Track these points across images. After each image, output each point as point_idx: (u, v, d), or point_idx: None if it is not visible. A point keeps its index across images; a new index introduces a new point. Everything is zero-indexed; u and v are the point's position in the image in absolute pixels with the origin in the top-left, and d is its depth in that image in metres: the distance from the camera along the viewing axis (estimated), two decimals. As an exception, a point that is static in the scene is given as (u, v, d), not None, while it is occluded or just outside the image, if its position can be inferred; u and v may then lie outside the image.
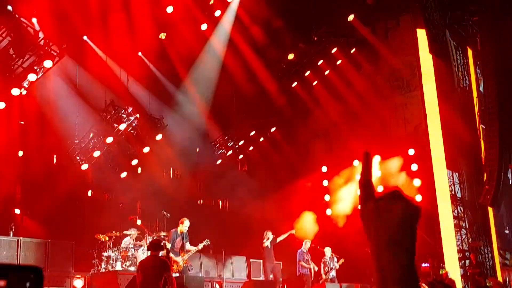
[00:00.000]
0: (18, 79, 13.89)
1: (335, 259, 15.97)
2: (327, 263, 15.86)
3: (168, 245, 11.97)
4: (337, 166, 19.75)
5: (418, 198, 18.24)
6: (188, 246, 12.51)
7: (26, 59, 13.81)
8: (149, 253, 9.95)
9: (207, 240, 12.95)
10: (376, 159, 18.99)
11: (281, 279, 15.75)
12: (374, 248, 1.17)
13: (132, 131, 16.90)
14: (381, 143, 19.23)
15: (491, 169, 19.30)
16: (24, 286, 0.83)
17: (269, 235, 15.19)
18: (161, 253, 9.83)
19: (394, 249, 1.14)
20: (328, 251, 15.99)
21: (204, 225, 18.20)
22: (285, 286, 16.43)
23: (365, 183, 1.21)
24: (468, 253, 19.17)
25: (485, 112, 20.11)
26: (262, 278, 16.06)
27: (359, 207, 1.22)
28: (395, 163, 18.63)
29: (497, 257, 19.84)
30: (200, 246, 12.79)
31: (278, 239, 15.25)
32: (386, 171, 18.69)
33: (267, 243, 15.08)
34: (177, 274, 11.74)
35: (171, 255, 11.75)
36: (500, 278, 18.81)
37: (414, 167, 18.63)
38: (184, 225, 12.50)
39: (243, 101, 20.68)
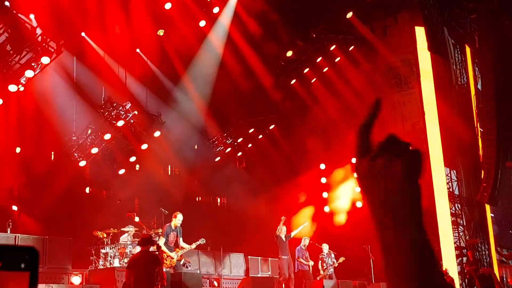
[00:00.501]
0: (15, 75, 13.82)
1: (333, 255, 15.94)
2: (324, 259, 15.82)
3: (162, 240, 11.86)
4: (335, 163, 19.71)
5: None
6: (181, 243, 12.33)
7: (23, 55, 13.74)
8: (138, 248, 9.93)
9: (202, 239, 12.85)
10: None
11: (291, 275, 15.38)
12: (374, 221, 0.96)
13: (130, 128, 16.83)
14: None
15: (488, 166, 19.29)
16: (19, 267, 0.79)
17: (283, 228, 14.74)
18: (151, 249, 9.75)
19: (398, 224, 0.94)
20: (325, 247, 15.94)
21: (202, 222, 18.17)
22: (283, 284, 16.41)
23: (363, 132, 1.01)
24: (465, 250, 19.16)
25: (483, 110, 20.09)
26: (260, 274, 16.03)
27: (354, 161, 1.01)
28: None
29: (494, 254, 19.84)
30: (194, 245, 12.69)
31: (293, 234, 14.93)
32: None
33: (279, 233, 14.48)
34: (169, 269, 11.65)
35: (165, 249, 11.64)
36: (497, 275, 18.80)
37: (412, 164, 18.56)
38: (178, 219, 12.38)
39: (242, 98, 20.63)
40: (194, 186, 20.60)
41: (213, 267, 15.94)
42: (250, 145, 20.86)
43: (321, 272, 15.66)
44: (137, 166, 18.53)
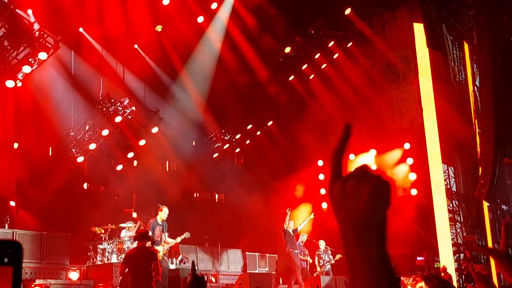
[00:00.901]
0: (12, 70, 13.80)
1: (329, 251, 15.95)
2: (321, 255, 15.83)
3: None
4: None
5: (414, 191, 18.25)
6: (167, 237, 12.20)
7: (20, 50, 13.71)
8: (134, 244, 9.93)
9: (187, 233, 12.81)
10: (372, 153, 19.00)
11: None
12: (342, 237, 1.08)
13: (128, 124, 16.81)
14: (377, 136, 19.22)
15: (486, 163, 19.30)
16: (2, 261, 0.79)
17: (291, 222, 14.67)
18: (147, 244, 9.77)
19: (362, 240, 1.05)
20: (322, 243, 15.95)
21: (199, 218, 18.20)
22: (281, 279, 16.45)
23: (336, 157, 1.11)
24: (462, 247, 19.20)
25: (481, 107, 20.11)
26: (257, 270, 16.06)
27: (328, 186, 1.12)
28: (394, 156, 18.64)
29: (492, 251, 19.85)
30: (179, 239, 12.60)
31: (299, 227, 14.87)
32: (382, 164, 18.68)
33: (287, 227, 14.30)
34: (167, 266, 11.63)
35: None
36: (494, 271, 18.83)
37: (410, 161, 18.62)
38: (163, 213, 12.33)
39: (240, 95, 20.63)
40: (192, 182, 20.61)
41: (211, 263, 15.97)
42: (248, 141, 20.87)
43: (318, 268, 15.68)
44: (135, 162, 18.51)
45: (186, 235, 12.74)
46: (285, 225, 14.25)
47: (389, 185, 1.09)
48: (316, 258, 15.79)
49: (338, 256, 15.85)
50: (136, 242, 9.71)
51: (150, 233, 11.41)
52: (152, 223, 12.27)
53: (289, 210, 14.55)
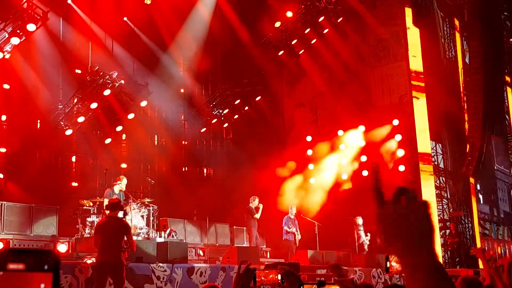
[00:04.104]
0: (0, 42, 13.78)
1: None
2: (359, 232, 16.48)
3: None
4: (322, 135, 19.91)
5: (401, 168, 18.52)
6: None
7: (8, 22, 13.68)
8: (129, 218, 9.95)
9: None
10: (361, 129, 19.19)
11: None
12: (397, 249, 1.30)
13: (116, 97, 16.86)
14: (366, 113, 19.38)
15: (473, 140, 19.59)
16: (43, 268, 0.92)
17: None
18: (119, 214, 9.57)
19: (418, 248, 1.28)
20: (359, 220, 16.57)
21: (188, 193, 18.39)
22: (268, 252, 16.76)
23: (377, 189, 1.33)
24: (448, 222, 19.57)
25: (470, 84, 20.31)
26: (245, 244, 16.32)
27: (378, 210, 1.34)
28: (382, 132, 18.82)
29: (477, 227, 20.27)
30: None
31: (256, 216, 15.36)
32: (371, 140, 18.90)
33: (258, 215, 15.25)
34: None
35: None
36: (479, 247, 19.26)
37: (398, 137, 18.82)
38: (123, 183, 12.35)
39: (229, 69, 20.66)
40: (181, 156, 20.75)
41: (199, 236, 16.18)
42: (236, 116, 20.96)
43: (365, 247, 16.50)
44: (124, 136, 18.61)
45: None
46: (256, 216, 15.17)
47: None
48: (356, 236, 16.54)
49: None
50: (107, 211, 9.53)
51: (105, 203, 11.27)
52: (107, 194, 12.28)
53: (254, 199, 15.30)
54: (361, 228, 16.65)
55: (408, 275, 1.25)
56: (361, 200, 17.49)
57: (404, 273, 1.27)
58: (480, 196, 20.83)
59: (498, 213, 22.42)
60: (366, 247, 16.60)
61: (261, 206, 15.31)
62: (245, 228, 16.52)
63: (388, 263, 3.84)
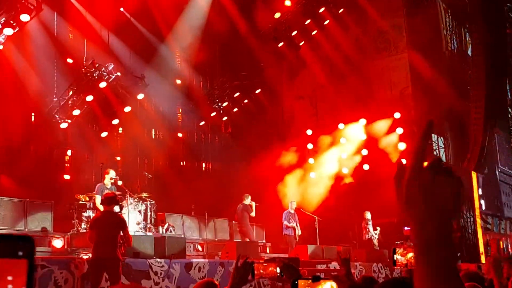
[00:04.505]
0: (-6, 33, 13.56)
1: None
2: (368, 227, 16.31)
3: (98, 199, 11.36)
4: (323, 129, 19.75)
5: (403, 162, 18.32)
6: None
7: (1, 12, 13.44)
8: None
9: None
10: (361, 123, 19.03)
11: None
12: (418, 228, 1.18)
13: (113, 90, 16.66)
14: (367, 106, 19.24)
15: (476, 133, 19.44)
16: (16, 255, 0.84)
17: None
18: (115, 209, 9.39)
19: (444, 235, 1.17)
20: (368, 215, 16.38)
21: (186, 187, 18.23)
22: (268, 248, 16.65)
23: (421, 146, 1.20)
24: (450, 217, 19.41)
25: (472, 76, 20.13)
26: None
27: (408, 176, 1.21)
28: (384, 125, 18.68)
29: (479, 221, 20.12)
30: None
31: (252, 214, 15.31)
32: (372, 134, 18.76)
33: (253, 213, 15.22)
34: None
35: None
36: (481, 241, 19.13)
37: (400, 130, 18.68)
38: (110, 175, 12.25)
39: (227, 61, 20.48)
40: (179, 150, 20.60)
41: (198, 231, 16.05)
42: (235, 109, 20.77)
43: (375, 243, 16.32)
44: (120, 129, 18.42)
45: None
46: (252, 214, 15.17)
47: (462, 183, 1.19)
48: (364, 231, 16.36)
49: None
50: (103, 206, 9.36)
51: (99, 199, 11.02)
52: (98, 189, 12.03)
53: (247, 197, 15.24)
54: (370, 223, 16.49)
55: (421, 248, 1.15)
56: (363, 195, 17.42)
57: (414, 245, 1.17)
58: (482, 202, 20.44)
59: (502, 214, 22.18)
60: (375, 242, 16.41)
61: (254, 204, 15.21)
62: (233, 221, 16.38)
63: (395, 255, 3.66)
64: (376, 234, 16.48)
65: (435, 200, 1.14)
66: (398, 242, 15.72)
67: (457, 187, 1.16)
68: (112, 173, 12.23)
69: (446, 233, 1.15)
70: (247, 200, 15.23)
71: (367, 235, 16.47)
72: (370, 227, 16.47)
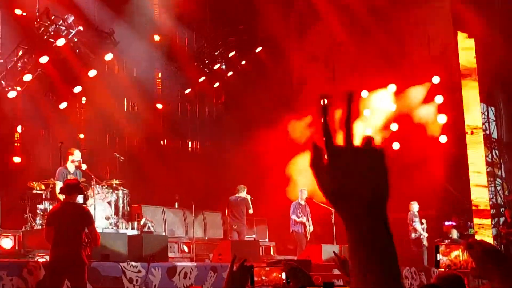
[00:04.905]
0: None
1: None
2: (414, 221, 16.49)
3: (58, 185, 11.25)
4: (341, 97, 19.76)
5: (443, 139, 18.45)
6: None
7: None
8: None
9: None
10: (391, 89, 19.06)
11: None
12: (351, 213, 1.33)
13: (73, 49, 16.71)
14: (398, 68, 19.27)
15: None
16: None
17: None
18: (78, 199, 9.35)
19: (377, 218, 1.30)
20: (415, 206, 16.57)
21: (168, 172, 18.34)
22: (272, 248, 16.82)
23: (346, 126, 1.32)
24: (503, 209, 19.57)
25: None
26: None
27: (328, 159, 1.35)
28: (419, 93, 18.71)
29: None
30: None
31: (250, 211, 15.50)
32: (404, 104, 18.80)
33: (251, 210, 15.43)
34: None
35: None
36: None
37: (439, 99, 18.72)
38: (75, 157, 12.35)
39: (220, 11, 20.46)
40: (158, 126, 20.66)
41: (183, 228, 16.19)
42: (230, 73, 20.79)
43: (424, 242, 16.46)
44: (84, 99, 18.46)
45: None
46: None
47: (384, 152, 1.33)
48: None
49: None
50: (63, 196, 9.34)
51: (59, 185, 11.08)
52: (60, 173, 12.14)
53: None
54: (417, 217, 16.62)
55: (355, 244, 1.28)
56: (392, 180, 17.53)
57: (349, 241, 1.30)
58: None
59: None
60: (425, 241, 16.52)
61: (249, 197, 15.34)
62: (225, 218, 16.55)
63: (438, 255, 3.72)
64: (423, 229, 16.53)
65: (363, 181, 1.26)
66: (438, 240, 15.91)
67: (380, 159, 1.27)
68: (77, 154, 12.35)
69: (383, 221, 1.26)
70: (243, 193, 15.36)
71: (413, 234, 16.60)
72: (417, 224, 16.57)
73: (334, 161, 1.28)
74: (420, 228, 16.56)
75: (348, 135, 1.29)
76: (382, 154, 1.28)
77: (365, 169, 1.25)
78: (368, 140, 1.29)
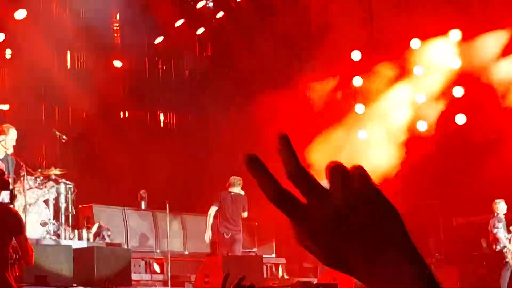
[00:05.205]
0: None
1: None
2: (496, 227, 16.46)
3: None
4: (381, 49, 19.76)
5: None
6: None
7: None
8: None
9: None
10: (454, 36, 19.00)
11: None
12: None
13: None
14: (462, 9, 19.22)
15: None
16: None
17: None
18: (3, 197, 9.64)
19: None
20: (501, 205, 16.52)
21: (131, 157, 18.33)
22: (281, 266, 16.91)
23: (303, 176, 1.16)
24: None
25: None
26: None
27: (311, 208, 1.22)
28: (492, 43, 18.68)
29: None
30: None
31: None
32: (472, 59, 18.75)
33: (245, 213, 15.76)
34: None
35: None
36: None
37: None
38: (9, 138, 12.45)
39: None
40: (117, 91, 20.63)
41: (153, 238, 16.27)
42: (220, 13, 20.76)
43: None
44: (8, 52, 18.41)
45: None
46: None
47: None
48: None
49: None
50: None
51: None
52: None
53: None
54: (502, 222, 16.58)
55: None
56: (455, 169, 17.54)
57: None
58: None
59: None
60: (509, 258, 16.51)
61: (243, 193, 15.55)
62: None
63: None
64: (510, 241, 16.49)
65: (367, 223, 1.20)
66: None
67: (364, 185, 1.24)
68: (12, 132, 12.50)
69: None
70: (237, 187, 15.41)
71: (497, 245, 16.55)
72: (501, 231, 16.51)
73: (322, 228, 1.20)
74: (504, 237, 16.49)
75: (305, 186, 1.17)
76: (364, 174, 1.23)
77: (360, 208, 1.20)
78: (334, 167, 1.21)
